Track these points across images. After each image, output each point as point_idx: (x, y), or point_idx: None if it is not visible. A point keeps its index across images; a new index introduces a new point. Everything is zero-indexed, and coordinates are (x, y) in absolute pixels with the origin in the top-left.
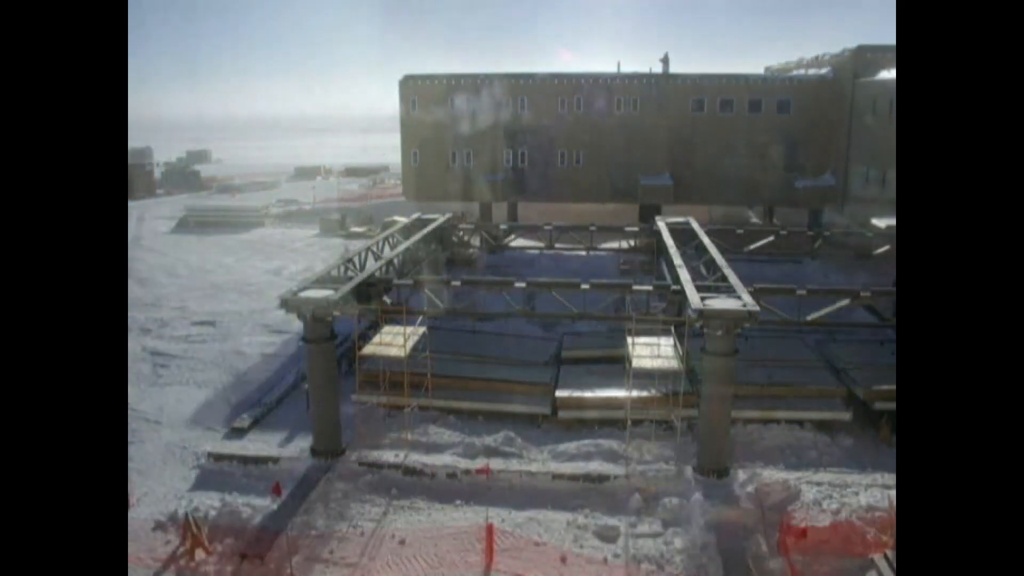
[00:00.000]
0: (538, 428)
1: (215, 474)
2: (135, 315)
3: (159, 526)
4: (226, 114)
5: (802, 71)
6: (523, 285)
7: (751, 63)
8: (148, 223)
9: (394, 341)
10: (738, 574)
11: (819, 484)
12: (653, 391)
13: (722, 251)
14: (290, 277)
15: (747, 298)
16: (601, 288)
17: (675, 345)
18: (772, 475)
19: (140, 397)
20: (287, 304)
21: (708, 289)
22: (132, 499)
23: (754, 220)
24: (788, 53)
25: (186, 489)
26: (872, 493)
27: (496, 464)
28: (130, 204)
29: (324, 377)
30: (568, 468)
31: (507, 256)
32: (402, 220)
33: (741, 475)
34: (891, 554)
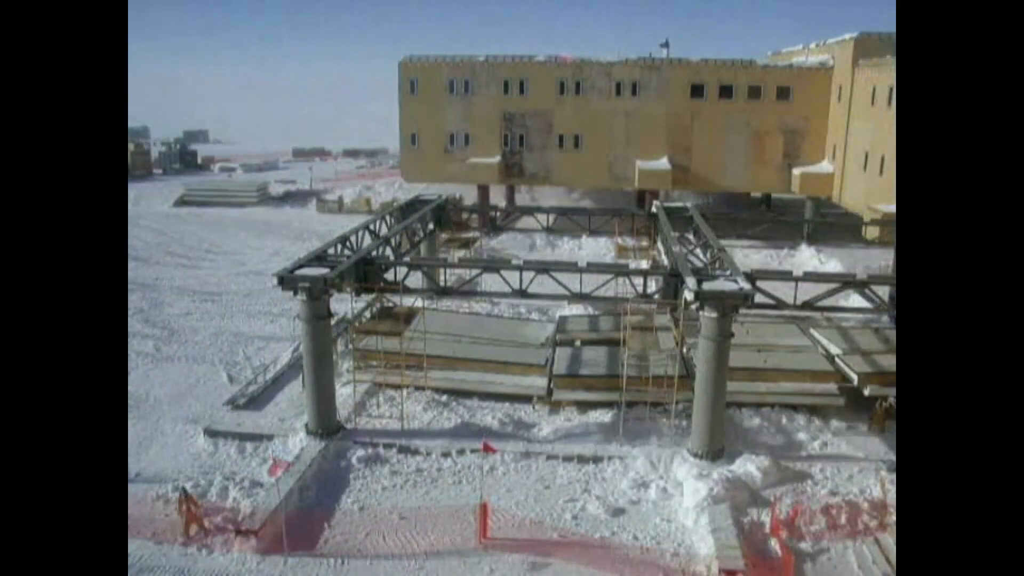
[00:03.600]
0: (533, 409)
1: (212, 450)
2: (134, 292)
3: (156, 500)
4: (227, 92)
5: (803, 58)
6: (520, 265)
7: (753, 50)
8: (146, 202)
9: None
10: (731, 554)
11: (811, 467)
12: (649, 374)
13: (719, 236)
14: (287, 256)
15: (743, 281)
16: (598, 270)
17: (671, 328)
18: (765, 458)
19: (139, 373)
20: (284, 282)
21: (704, 272)
22: (130, 473)
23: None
24: (791, 40)
25: (183, 464)
26: (864, 477)
27: (491, 443)
28: (128, 184)
29: (320, 355)
30: (563, 448)
31: (504, 238)
32: (399, 201)
33: (735, 458)
34: (882, 537)
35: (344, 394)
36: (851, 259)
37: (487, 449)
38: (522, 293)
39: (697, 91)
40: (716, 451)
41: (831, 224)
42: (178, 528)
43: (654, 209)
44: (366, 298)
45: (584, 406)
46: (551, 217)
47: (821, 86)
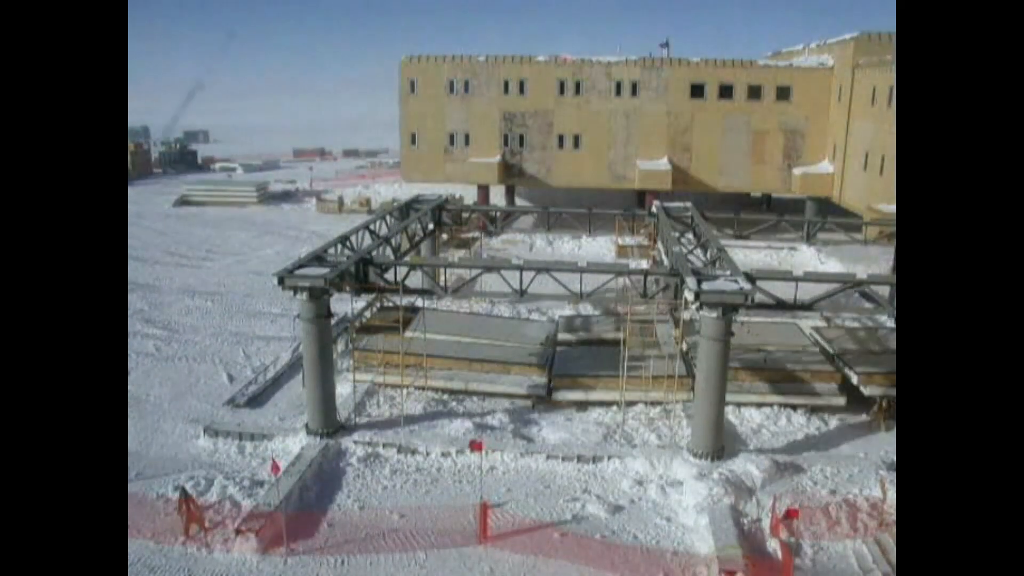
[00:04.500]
0: (533, 409)
1: (212, 449)
2: (134, 292)
3: (156, 500)
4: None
5: (803, 58)
6: (520, 265)
7: (753, 50)
8: (146, 202)
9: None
10: (731, 555)
11: (812, 467)
12: (649, 374)
13: (720, 236)
14: (287, 256)
15: (743, 281)
16: (598, 270)
17: (671, 328)
18: (765, 458)
19: (139, 373)
20: (284, 281)
21: (704, 272)
22: (130, 473)
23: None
24: (791, 40)
25: (183, 464)
26: (864, 477)
27: (491, 444)
28: (129, 184)
29: (320, 355)
30: (563, 448)
31: (504, 238)
32: (400, 201)
33: (735, 458)
34: (882, 537)
35: (344, 394)
36: (851, 259)
37: (479, 450)
38: (522, 293)
39: (697, 91)
40: (716, 451)
41: (831, 224)
42: (178, 528)
43: (654, 209)
44: (366, 298)
45: (584, 406)
46: (551, 217)
47: (821, 86)
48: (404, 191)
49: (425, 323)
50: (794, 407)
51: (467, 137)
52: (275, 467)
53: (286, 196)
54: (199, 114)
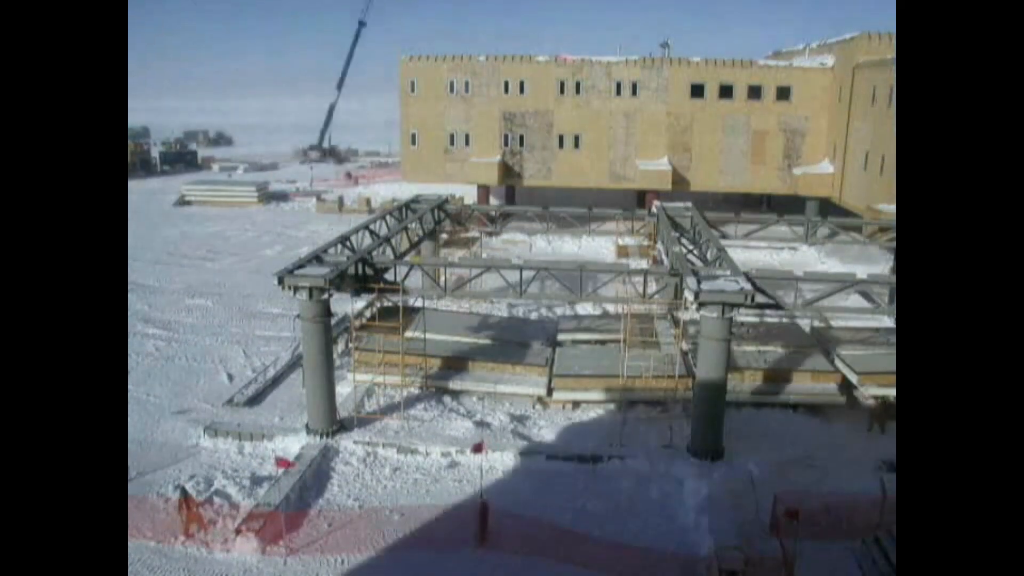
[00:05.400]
0: (533, 408)
1: (211, 449)
2: (134, 293)
3: (156, 500)
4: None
5: (803, 58)
6: (520, 265)
7: (753, 50)
8: (147, 202)
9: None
10: (731, 555)
11: (812, 467)
12: (649, 374)
13: (720, 236)
14: (287, 256)
15: (743, 281)
16: (598, 270)
17: (671, 327)
18: (766, 458)
19: (139, 373)
20: (284, 281)
21: (704, 272)
22: (130, 473)
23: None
24: (791, 40)
25: (183, 464)
26: (864, 477)
27: (491, 444)
28: (130, 183)
29: (320, 355)
30: (563, 448)
31: (505, 238)
32: (400, 200)
33: (735, 458)
34: (882, 536)
35: (344, 394)
36: (851, 259)
37: (479, 450)
38: (522, 293)
39: (697, 91)
40: (716, 451)
41: (831, 224)
42: (178, 528)
43: (654, 209)
44: (366, 298)
45: (584, 405)
46: (551, 217)
47: (821, 86)
48: (404, 191)
49: (425, 323)
50: (794, 407)
51: (467, 137)
52: (283, 463)
53: (286, 196)
54: (199, 114)
